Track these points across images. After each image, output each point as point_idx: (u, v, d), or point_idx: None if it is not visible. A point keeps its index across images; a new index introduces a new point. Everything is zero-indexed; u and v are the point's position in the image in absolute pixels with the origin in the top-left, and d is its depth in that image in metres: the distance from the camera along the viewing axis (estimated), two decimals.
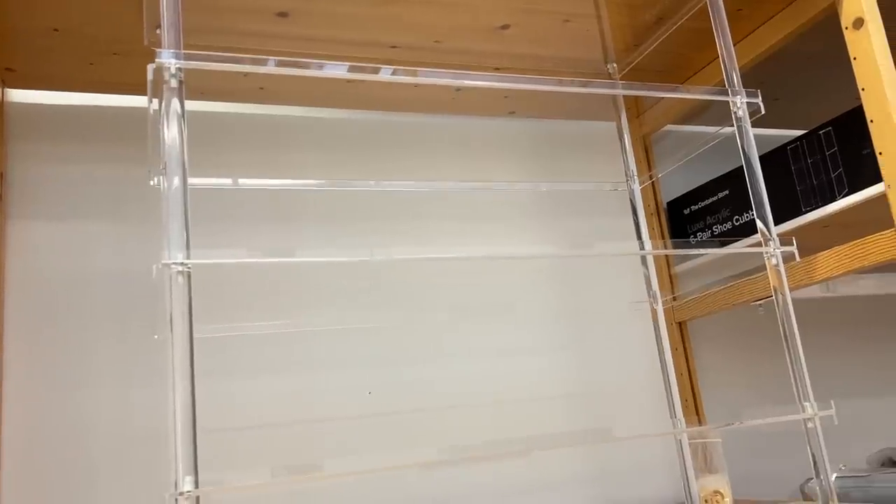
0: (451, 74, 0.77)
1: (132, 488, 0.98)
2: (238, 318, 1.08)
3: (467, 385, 1.18)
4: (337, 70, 0.71)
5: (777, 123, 1.53)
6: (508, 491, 1.16)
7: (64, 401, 0.98)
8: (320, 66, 0.72)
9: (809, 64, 1.30)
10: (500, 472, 1.16)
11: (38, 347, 0.98)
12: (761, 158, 1.19)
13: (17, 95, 1.06)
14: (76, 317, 1.01)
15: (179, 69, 0.67)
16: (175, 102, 0.66)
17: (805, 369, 0.81)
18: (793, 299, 1.45)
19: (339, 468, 1.01)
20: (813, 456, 0.79)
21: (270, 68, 0.69)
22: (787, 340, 0.83)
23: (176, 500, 0.57)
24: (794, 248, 0.84)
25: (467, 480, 1.14)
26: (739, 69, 1.19)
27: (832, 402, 0.77)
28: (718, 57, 1.01)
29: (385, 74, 0.72)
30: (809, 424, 0.79)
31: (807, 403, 0.80)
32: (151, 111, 0.72)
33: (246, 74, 1.07)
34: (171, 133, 0.66)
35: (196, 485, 0.58)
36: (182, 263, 0.62)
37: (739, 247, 1.09)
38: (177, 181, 0.64)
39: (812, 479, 1.15)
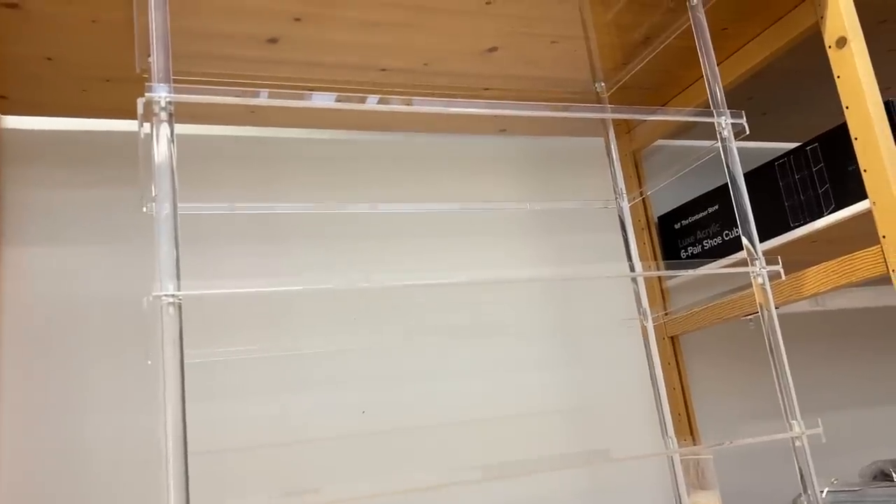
0: (441, 102, 0.79)
1: None
2: (230, 340, 1.09)
3: (460, 403, 1.19)
4: (325, 101, 0.73)
5: (768, 137, 1.55)
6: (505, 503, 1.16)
7: (59, 425, 0.98)
8: (308, 97, 0.73)
9: (799, 79, 1.31)
10: (491, 488, 1.17)
11: (34, 372, 0.99)
12: (750, 174, 1.20)
13: (11, 122, 1.07)
14: (71, 341, 1.02)
15: (169, 102, 0.68)
16: (165, 134, 0.67)
17: (792, 387, 0.82)
18: (783, 313, 1.46)
19: (337, 493, 1.02)
20: (801, 472, 0.80)
21: (260, 100, 0.70)
22: (773, 357, 0.83)
23: None
24: (779, 268, 0.85)
25: (459, 498, 1.14)
26: (728, 85, 1.21)
27: (819, 420, 0.78)
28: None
29: (372, 104, 0.73)
30: (797, 443, 0.80)
31: (794, 421, 0.80)
32: (142, 140, 0.73)
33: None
34: (161, 166, 0.67)
35: None
36: (172, 295, 0.63)
37: (725, 266, 1.10)
38: (166, 212, 0.65)
39: (801, 495, 1.16)
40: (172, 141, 0.68)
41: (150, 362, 0.96)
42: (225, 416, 1.06)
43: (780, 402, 0.81)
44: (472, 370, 1.21)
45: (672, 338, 1.32)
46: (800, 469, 0.80)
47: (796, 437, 0.80)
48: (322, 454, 1.09)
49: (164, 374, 0.61)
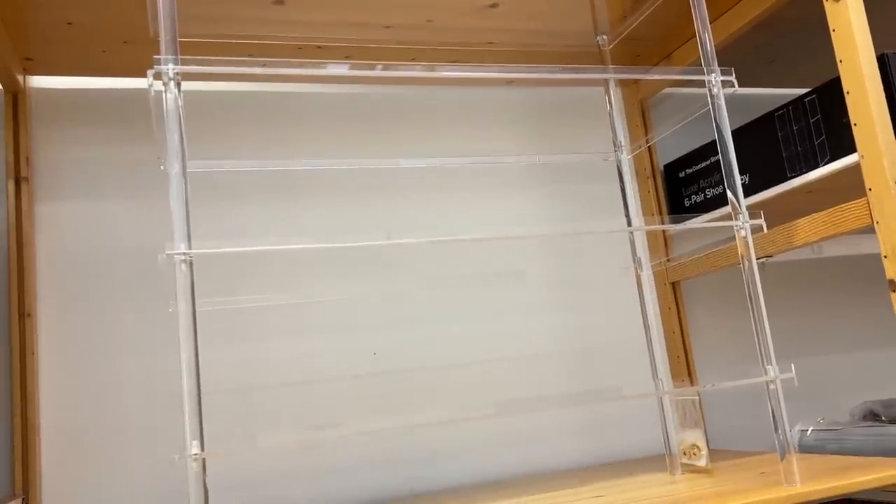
0: (448, 67, 0.83)
1: (159, 446, 1.08)
2: (252, 289, 1.16)
3: (466, 346, 1.26)
4: (339, 69, 0.77)
5: (777, 84, 1.55)
6: (501, 443, 1.24)
7: (94, 367, 1.08)
8: (322, 66, 0.78)
9: (804, 27, 1.31)
10: (496, 425, 1.24)
11: (68, 319, 1.08)
12: (751, 124, 1.22)
13: (38, 82, 1.13)
14: (102, 291, 1.10)
15: (177, 73, 0.73)
16: (173, 101, 0.73)
17: (769, 334, 0.87)
18: (785, 260, 1.49)
19: (355, 427, 1.10)
20: (773, 414, 0.85)
21: (269, 70, 0.75)
22: (752, 305, 0.88)
23: (186, 462, 0.66)
24: (761, 222, 0.89)
25: (466, 433, 1.23)
26: (732, 34, 1.21)
27: (792, 365, 0.83)
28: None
29: (385, 71, 0.78)
30: (771, 386, 0.85)
31: (769, 366, 0.85)
32: (154, 104, 0.79)
33: (250, 54, 1.13)
34: (170, 132, 0.72)
35: (202, 448, 0.66)
36: (184, 253, 0.69)
37: (709, 220, 1.13)
38: (176, 172, 0.71)
39: (791, 430, 1.22)
40: (180, 107, 0.73)
41: (171, 310, 1.04)
42: (247, 359, 1.14)
43: (757, 347, 0.86)
44: (477, 316, 1.27)
45: (673, 284, 1.36)
46: (772, 411, 0.85)
47: (770, 381, 0.85)
48: (336, 393, 1.17)
49: (178, 323, 0.68)
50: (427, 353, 1.23)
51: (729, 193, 0.91)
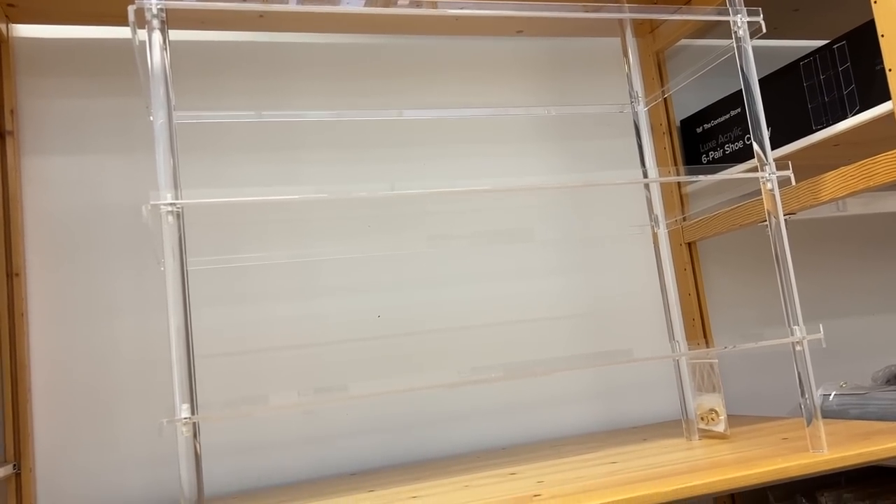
0: (464, 4, 0.77)
1: (154, 410, 1.04)
2: (248, 248, 1.11)
3: (474, 308, 1.21)
4: (353, 6, 0.71)
5: (800, 35, 1.48)
6: (511, 409, 1.20)
7: (85, 327, 1.03)
8: (337, 1, 0.72)
9: None
10: (506, 389, 1.20)
11: (59, 278, 1.03)
12: (774, 75, 1.15)
13: (22, 31, 1.08)
14: (93, 249, 1.05)
15: (161, 9, 0.67)
16: (158, 42, 0.67)
17: (795, 293, 0.82)
18: (806, 218, 1.44)
19: (363, 389, 1.06)
20: (799, 376, 0.81)
21: (273, 6, 0.69)
22: (778, 263, 0.83)
23: (175, 426, 0.62)
24: (789, 173, 0.83)
25: (475, 398, 1.18)
26: None
27: (820, 326, 0.78)
28: None
29: (402, 7, 0.72)
30: (797, 348, 0.80)
31: (795, 327, 0.80)
32: (137, 48, 0.73)
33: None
34: (155, 74, 0.67)
35: (193, 411, 0.62)
36: (171, 204, 0.64)
37: (735, 172, 1.08)
38: (162, 121, 0.66)
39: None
40: (166, 48, 0.68)
41: (162, 268, 0.99)
42: (246, 321, 1.10)
43: (783, 307, 0.81)
44: (486, 276, 1.22)
45: (689, 244, 1.31)
46: (798, 374, 0.81)
47: (797, 342, 0.80)
48: (339, 357, 1.13)
49: (166, 280, 0.64)
50: (433, 315, 1.19)
51: (755, 145, 0.85)
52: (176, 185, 0.65)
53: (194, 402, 0.62)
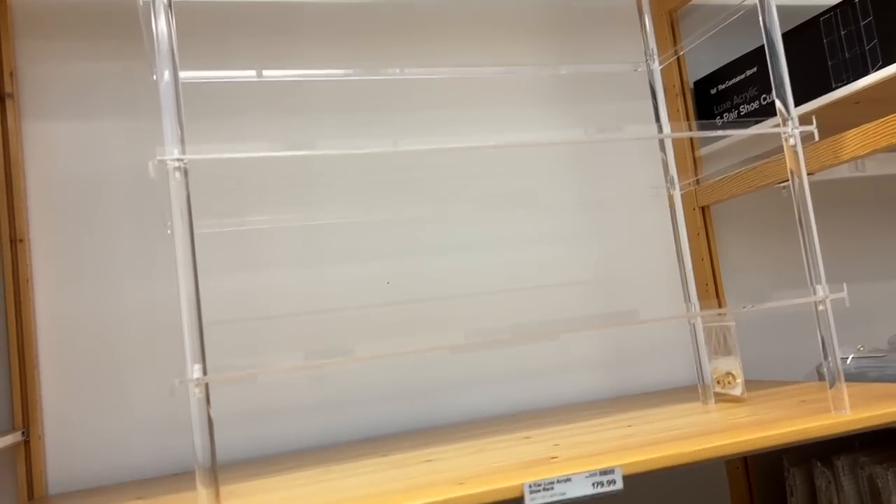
0: None
1: (162, 375, 1.03)
2: (255, 211, 1.09)
3: (485, 274, 1.19)
4: None
5: None
6: (525, 374, 1.19)
7: (91, 293, 1.02)
8: None
9: None
10: (516, 356, 1.19)
11: (63, 245, 1.01)
12: (792, 31, 1.12)
13: None
14: (98, 214, 1.03)
15: None
16: (162, 2, 0.65)
17: (818, 252, 0.80)
18: (823, 179, 1.41)
19: (369, 352, 1.05)
20: (822, 338, 0.79)
21: None
22: (801, 221, 0.81)
23: (187, 386, 0.60)
24: (813, 128, 0.81)
25: (485, 364, 1.17)
26: None
27: (844, 285, 0.76)
28: None
29: None
30: (820, 307, 0.78)
31: (818, 286, 0.79)
32: (142, 7, 0.71)
33: None
34: (159, 27, 0.64)
35: (204, 372, 0.60)
36: (178, 159, 0.62)
37: (757, 128, 1.05)
38: (167, 77, 0.64)
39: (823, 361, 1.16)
40: (170, 6, 0.65)
41: (169, 231, 0.98)
42: (253, 288, 1.08)
43: (806, 266, 0.79)
44: (497, 241, 1.20)
45: (703, 209, 1.29)
46: (821, 335, 0.79)
47: (820, 302, 0.78)
48: (347, 324, 1.12)
49: (175, 236, 0.62)
50: (443, 281, 1.17)
51: (777, 101, 0.83)
52: (182, 141, 0.62)
53: (205, 362, 0.61)
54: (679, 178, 1.31)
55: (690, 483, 1.24)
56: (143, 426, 1.01)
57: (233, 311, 1.07)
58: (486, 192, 1.21)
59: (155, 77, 0.71)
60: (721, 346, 0.99)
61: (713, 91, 1.29)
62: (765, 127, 1.14)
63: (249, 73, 0.82)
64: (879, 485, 1.00)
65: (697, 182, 1.28)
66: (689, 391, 1.15)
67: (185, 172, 0.62)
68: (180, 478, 0.95)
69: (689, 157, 1.30)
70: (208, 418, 0.60)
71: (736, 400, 0.97)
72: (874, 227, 1.43)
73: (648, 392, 1.22)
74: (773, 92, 0.83)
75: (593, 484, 0.65)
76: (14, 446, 0.95)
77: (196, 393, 0.59)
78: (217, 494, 0.60)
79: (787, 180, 1.07)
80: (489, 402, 1.16)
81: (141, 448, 1.01)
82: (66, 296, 1.00)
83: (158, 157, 0.61)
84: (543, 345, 1.20)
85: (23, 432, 0.94)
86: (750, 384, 1.13)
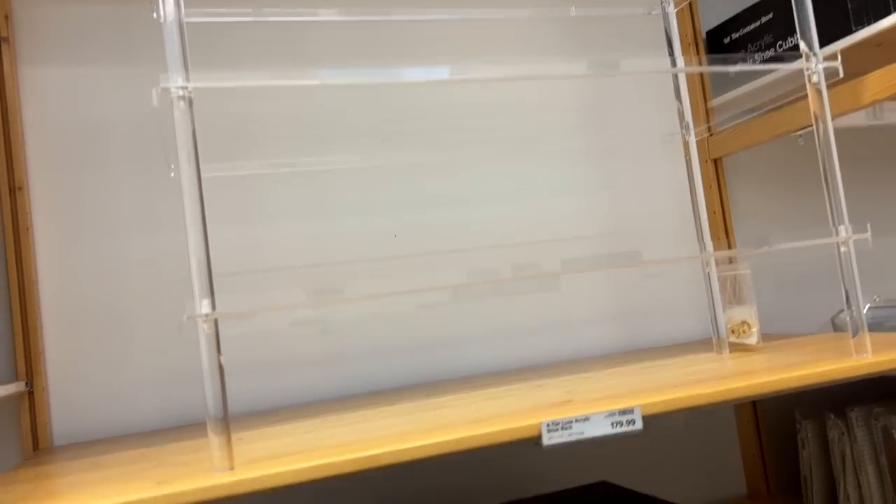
0: None
1: (166, 324, 1.01)
2: (260, 153, 1.07)
3: (494, 227, 1.17)
4: None
5: None
6: (534, 328, 1.17)
7: (94, 243, 1.00)
8: None
9: None
10: (528, 308, 1.17)
11: (63, 192, 0.99)
12: None
13: None
14: (98, 160, 1.01)
15: None
16: None
17: (841, 192, 0.77)
18: (838, 127, 1.38)
19: (373, 291, 1.03)
20: (844, 283, 0.77)
21: None
22: (823, 164, 0.78)
23: (196, 322, 0.58)
24: (837, 64, 0.78)
25: (493, 318, 1.15)
26: None
27: (868, 224, 0.74)
28: None
29: None
30: (843, 249, 0.76)
31: (841, 227, 0.76)
32: None
33: None
34: None
35: (213, 307, 0.58)
36: (183, 87, 0.59)
37: (778, 66, 1.02)
38: (171, 6, 0.61)
39: (843, 311, 1.14)
40: None
41: (172, 174, 0.95)
42: (256, 241, 1.06)
43: (828, 207, 0.77)
44: (506, 193, 1.18)
45: (715, 161, 1.26)
46: (843, 279, 0.77)
47: (842, 243, 0.76)
48: (354, 278, 1.10)
49: (180, 167, 0.60)
50: (451, 235, 1.15)
51: (801, 41, 0.80)
52: (186, 69, 0.60)
53: (214, 298, 0.59)
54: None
55: (697, 438, 1.23)
56: (148, 378, 1.00)
57: (236, 264, 1.05)
58: (496, 143, 1.18)
59: (156, 16, 0.68)
60: (735, 294, 0.97)
61: (726, 41, 1.26)
62: (787, 65, 1.11)
63: (253, 12, 0.79)
64: (895, 435, 0.99)
65: (710, 132, 1.25)
66: (702, 344, 1.13)
67: (190, 102, 0.60)
68: (185, 429, 0.94)
69: (702, 106, 1.27)
70: (218, 356, 0.58)
71: (751, 349, 0.95)
72: (890, 176, 1.40)
73: (662, 345, 1.20)
74: (797, 28, 0.80)
75: (612, 423, 0.63)
76: (18, 396, 0.94)
77: (205, 329, 0.58)
78: (229, 439, 0.59)
79: (804, 128, 1.04)
80: (497, 357, 1.15)
81: (145, 400, 1.00)
82: (67, 244, 0.98)
83: (162, 85, 0.59)
84: (552, 300, 1.18)
85: (26, 382, 0.93)
86: (764, 336, 1.11)
